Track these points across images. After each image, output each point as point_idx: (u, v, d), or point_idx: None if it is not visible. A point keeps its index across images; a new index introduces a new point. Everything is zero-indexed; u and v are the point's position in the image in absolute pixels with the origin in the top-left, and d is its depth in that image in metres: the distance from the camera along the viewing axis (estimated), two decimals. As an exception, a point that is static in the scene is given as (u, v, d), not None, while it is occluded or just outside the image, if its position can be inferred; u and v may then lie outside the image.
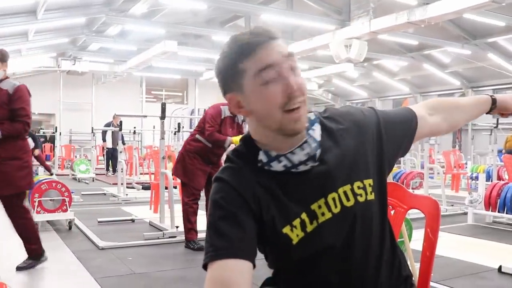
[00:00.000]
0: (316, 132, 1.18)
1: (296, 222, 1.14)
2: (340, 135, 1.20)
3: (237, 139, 4.41)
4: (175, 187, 6.28)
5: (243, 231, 1.10)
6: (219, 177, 1.17)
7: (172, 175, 5.12)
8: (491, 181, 7.39)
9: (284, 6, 14.04)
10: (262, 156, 1.16)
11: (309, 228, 1.14)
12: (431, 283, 3.27)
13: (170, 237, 5.03)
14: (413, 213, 6.40)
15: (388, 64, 21.65)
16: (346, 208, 1.15)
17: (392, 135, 1.27)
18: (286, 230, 1.14)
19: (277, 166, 1.15)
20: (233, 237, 1.08)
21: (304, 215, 1.14)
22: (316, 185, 1.15)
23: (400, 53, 19.19)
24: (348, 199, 1.16)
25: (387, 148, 1.25)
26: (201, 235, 4.95)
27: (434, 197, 5.42)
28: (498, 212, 5.94)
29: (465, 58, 18.70)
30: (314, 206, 1.15)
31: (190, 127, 15.13)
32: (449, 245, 4.90)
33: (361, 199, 1.16)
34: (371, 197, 1.18)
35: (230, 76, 1.13)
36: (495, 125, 8.43)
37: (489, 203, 6.01)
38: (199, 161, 4.61)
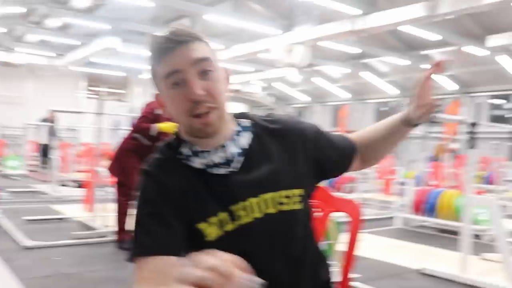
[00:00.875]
0: (243, 139, 1.19)
1: (214, 219, 1.14)
2: (273, 143, 1.22)
3: (164, 125, 4.39)
4: (110, 186, 6.16)
5: (169, 226, 1.11)
6: (144, 169, 1.19)
7: (109, 172, 5.01)
8: (420, 186, 7.72)
9: (230, 8, 14.09)
10: (184, 149, 1.19)
11: (228, 227, 1.14)
12: (357, 284, 3.39)
13: (101, 237, 4.93)
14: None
15: (330, 70, 22.16)
16: (268, 215, 1.15)
17: (328, 154, 1.29)
18: (202, 225, 1.14)
19: (196, 163, 1.17)
20: (159, 233, 1.10)
21: (223, 215, 1.14)
22: (237, 189, 1.15)
23: (342, 60, 19.69)
24: (271, 206, 1.16)
25: (322, 163, 1.27)
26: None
27: (367, 201, 5.62)
28: (424, 216, 6.22)
29: (402, 68, 19.46)
30: (234, 208, 1.15)
31: (130, 126, 14.82)
32: (377, 247, 5.09)
33: (285, 207, 1.17)
34: (297, 206, 1.19)
35: (152, 75, 1.17)
36: (426, 134, 8.82)
37: (416, 208, 6.29)
38: (136, 160, 4.54)
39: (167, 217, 1.12)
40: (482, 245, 5.15)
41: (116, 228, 4.59)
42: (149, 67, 1.17)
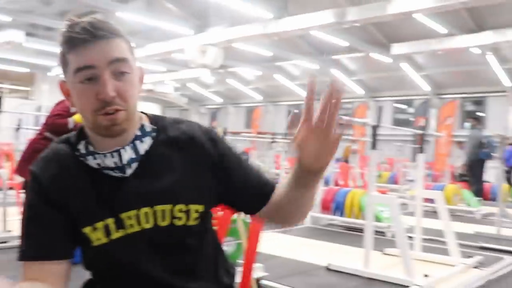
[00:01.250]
0: (142, 145, 1.14)
1: (100, 225, 1.10)
2: (175, 152, 1.17)
3: (78, 117, 4.24)
4: (11, 188, 5.82)
5: (51, 230, 1.09)
6: (30, 169, 1.15)
7: (17, 174, 4.71)
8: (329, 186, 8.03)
9: (143, 6, 13.83)
10: (81, 147, 1.14)
11: (114, 235, 1.11)
12: (265, 282, 3.47)
13: (2, 242, 4.65)
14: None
15: (243, 72, 22.40)
16: (159, 227, 1.12)
17: (237, 182, 1.22)
18: (86, 229, 1.10)
19: (92, 162, 1.12)
20: (40, 237, 1.09)
21: (110, 221, 1.10)
22: (130, 196, 1.11)
23: (254, 62, 19.97)
24: (163, 219, 1.12)
25: (226, 188, 1.21)
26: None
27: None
28: (332, 215, 6.48)
29: (313, 72, 20.07)
30: (123, 215, 1.11)
31: (37, 125, 14.11)
32: (286, 246, 5.23)
33: (179, 222, 1.13)
34: (193, 222, 1.15)
35: (60, 62, 1.10)
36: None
37: (324, 207, 6.54)
38: None
39: (48, 220, 1.09)
40: (386, 241, 5.45)
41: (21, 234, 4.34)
42: (60, 51, 1.09)
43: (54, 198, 1.10)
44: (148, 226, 1.12)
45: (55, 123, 4.25)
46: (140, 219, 1.12)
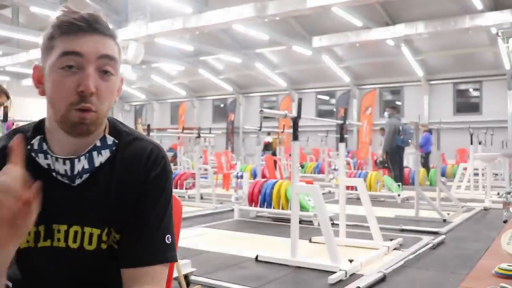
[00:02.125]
0: (99, 158, 1.08)
1: (32, 229, 1.05)
2: (123, 174, 1.10)
3: None
4: None
5: None
6: None
7: None
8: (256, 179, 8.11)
9: (58, 1, 13.25)
10: (35, 142, 1.08)
11: (41, 243, 1.07)
12: (193, 278, 3.44)
13: None
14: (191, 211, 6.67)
15: (166, 68, 22.10)
16: (83, 251, 1.08)
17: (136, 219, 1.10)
18: None
19: (42, 161, 1.07)
20: None
21: (42, 227, 1.07)
22: (68, 209, 1.07)
23: (177, 57, 19.75)
24: (90, 243, 1.08)
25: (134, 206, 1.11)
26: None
27: (205, 196, 5.69)
28: (260, 207, 6.54)
29: (237, 66, 20.18)
30: (55, 227, 1.07)
31: None
32: (215, 241, 5.23)
33: (104, 245, 1.09)
34: (114, 245, 1.10)
35: (43, 46, 1.04)
36: (259, 128, 9.27)
37: (252, 199, 6.59)
38: None
39: None
40: (313, 229, 5.58)
41: None
42: (46, 34, 1.03)
43: None
44: (74, 246, 1.08)
45: None
46: (68, 236, 1.08)
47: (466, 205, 7.68)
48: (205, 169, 9.23)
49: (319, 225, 5.66)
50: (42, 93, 1.07)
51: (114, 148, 1.11)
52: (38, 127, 1.12)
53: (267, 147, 14.38)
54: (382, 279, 3.70)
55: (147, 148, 1.14)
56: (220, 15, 11.99)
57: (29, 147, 1.07)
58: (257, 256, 4.33)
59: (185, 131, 12.85)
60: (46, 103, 1.07)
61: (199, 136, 8.85)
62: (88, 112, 1.01)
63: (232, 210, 7.00)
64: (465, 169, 10.09)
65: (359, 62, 18.61)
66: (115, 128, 1.16)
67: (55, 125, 1.06)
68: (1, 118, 4.97)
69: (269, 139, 14.91)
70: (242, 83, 22.77)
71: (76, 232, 1.08)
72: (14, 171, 0.85)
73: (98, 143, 1.09)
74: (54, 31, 1.02)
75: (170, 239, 1.11)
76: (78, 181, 1.08)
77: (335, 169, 11.50)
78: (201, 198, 8.08)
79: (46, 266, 1.09)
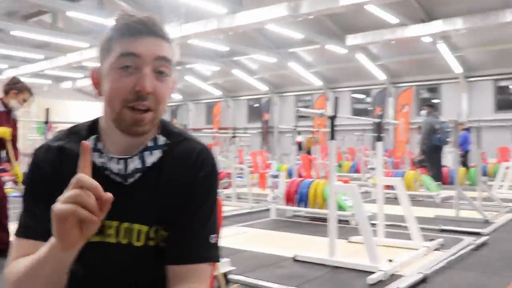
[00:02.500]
0: (151, 158, 1.12)
1: None
2: (174, 173, 1.13)
3: (3, 130, 4.15)
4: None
5: (45, 213, 1.06)
6: (35, 153, 1.15)
7: None
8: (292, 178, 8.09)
9: (95, 5, 13.54)
10: (90, 141, 1.11)
11: (92, 239, 1.08)
12: (233, 276, 3.46)
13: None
14: (227, 211, 6.70)
15: (201, 68, 22.28)
16: (132, 246, 1.11)
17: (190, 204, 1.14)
18: None
19: (96, 159, 1.11)
20: (34, 217, 1.09)
21: None
22: (120, 206, 1.07)
23: (212, 58, 19.89)
24: (138, 239, 1.12)
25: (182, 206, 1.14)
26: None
27: (242, 196, 5.69)
28: (297, 206, 6.53)
29: (271, 66, 20.18)
30: (107, 223, 1.11)
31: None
32: (253, 240, 5.24)
33: (152, 243, 1.12)
34: (162, 244, 1.13)
35: (102, 48, 1.09)
36: (294, 128, 9.25)
37: (288, 199, 6.58)
38: None
39: (44, 205, 1.08)
40: (350, 229, 5.53)
41: None
42: (106, 36, 1.08)
43: (51, 186, 1.09)
44: (124, 241, 1.12)
45: None
46: (119, 232, 1.12)
47: (509, 205, 7.47)
48: (241, 169, 9.27)
49: (356, 224, 5.62)
50: (99, 94, 1.10)
51: (165, 148, 1.14)
52: (93, 127, 1.16)
53: (299, 146, 14.35)
54: (423, 281, 3.63)
55: (197, 148, 1.17)
56: (254, 15, 12.01)
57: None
58: (295, 256, 4.32)
59: (220, 131, 12.94)
60: (103, 104, 1.10)
61: (234, 136, 8.90)
62: (146, 113, 1.05)
63: (269, 209, 7.00)
64: (507, 168, 9.80)
65: (394, 59, 18.34)
66: (167, 128, 1.19)
67: (111, 124, 1.10)
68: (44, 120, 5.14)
69: (300, 138, 14.85)
70: (276, 83, 22.75)
71: (126, 229, 1.12)
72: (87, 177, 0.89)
73: (150, 143, 1.13)
74: (113, 33, 1.07)
75: (214, 239, 1.14)
76: (130, 180, 1.12)
77: (371, 168, 11.36)
78: (238, 197, 8.12)
79: (97, 260, 1.13)
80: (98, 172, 1.09)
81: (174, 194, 1.12)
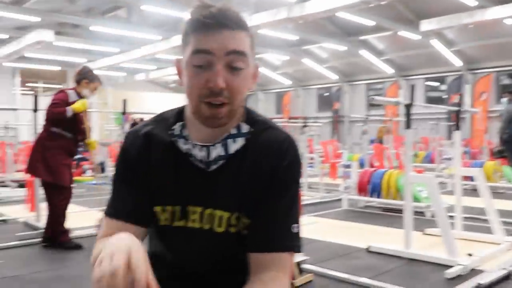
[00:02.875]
0: (234, 145, 1.13)
1: (169, 208, 1.15)
2: (252, 161, 1.13)
3: (77, 105, 4.28)
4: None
5: (132, 196, 1.15)
6: (127, 136, 1.21)
7: (28, 173, 4.66)
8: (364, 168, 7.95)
9: (167, -2, 13.85)
10: (176, 128, 1.16)
11: (176, 223, 1.16)
12: (307, 266, 3.46)
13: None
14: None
15: (270, 58, 22.29)
16: (213, 232, 1.14)
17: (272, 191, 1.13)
18: (157, 208, 1.16)
19: (182, 145, 1.15)
20: (121, 198, 1.16)
21: (177, 208, 1.15)
22: (204, 192, 1.14)
23: (281, 47, 19.84)
24: (219, 225, 1.14)
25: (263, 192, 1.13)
26: (79, 232, 4.83)
27: (313, 186, 5.70)
28: (369, 196, 6.42)
29: (341, 54, 19.84)
30: (190, 208, 1.14)
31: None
32: (325, 230, 5.22)
33: (233, 229, 1.14)
34: (244, 232, 1.14)
35: (182, 41, 1.10)
36: (366, 117, 9.07)
37: (361, 189, 6.48)
38: (63, 156, 4.35)
39: (131, 188, 1.15)
40: (425, 221, 5.38)
41: (55, 232, 4.38)
42: (183, 29, 1.09)
43: (139, 171, 1.16)
44: (206, 227, 1.15)
45: (53, 112, 4.25)
46: (203, 217, 1.15)
47: None
48: (312, 158, 9.21)
49: (432, 216, 5.46)
50: (181, 83, 1.12)
51: (248, 136, 1.15)
52: (180, 114, 1.19)
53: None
54: (506, 277, 3.47)
55: (280, 137, 1.16)
56: (324, 3, 11.82)
57: (170, 132, 1.16)
58: (368, 247, 4.26)
59: (290, 120, 12.91)
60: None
61: (305, 125, 8.85)
62: (221, 107, 1.06)
63: (340, 199, 6.94)
64: None
65: (472, 44, 17.45)
66: (251, 116, 1.19)
67: (192, 115, 1.13)
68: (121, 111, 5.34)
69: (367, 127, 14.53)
70: (346, 71, 22.37)
71: (209, 215, 1.14)
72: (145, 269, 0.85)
73: (234, 131, 1.14)
74: (187, 28, 1.07)
75: (296, 229, 1.14)
76: (213, 167, 1.13)
77: (447, 159, 10.94)
78: (309, 187, 8.10)
79: (181, 244, 1.17)
80: (184, 158, 1.14)
81: (256, 182, 1.12)
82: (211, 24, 1.03)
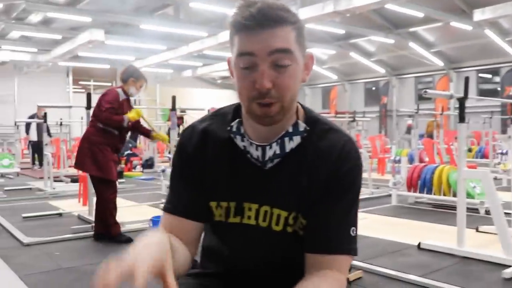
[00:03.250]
0: (290, 144, 1.12)
1: (224, 204, 1.16)
2: (310, 161, 1.12)
3: (132, 114, 4.40)
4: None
5: (190, 193, 1.18)
6: (184, 133, 1.23)
7: (77, 168, 4.83)
8: (414, 164, 7.77)
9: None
10: (234, 124, 1.16)
11: (231, 219, 1.17)
12: (356, 262, 3.41)
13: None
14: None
15: (317, 52, 22.12)
16: (271, 230, 1.14)
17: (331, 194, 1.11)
18: (212, 204, 1.18)
19: (239, 142, 1.15)
20: (178, 195, 1.20)
21: (232, 204, 1.16)
22: (260, 189, 1.14)
23: (328, 41, 19.64)
24: (277, 224, 1.13)
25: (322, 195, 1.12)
26: (130, 226, 4.94)
27: (362, 181, 5.58)
28: (419, 192, 6.27)
29: (389, 47, 19.45)
30: (246, 205, 1.15)
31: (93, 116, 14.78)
32: (374, 226, 5.13)
33: (290, 229, 1.14)
34: (300, 232, 1.14)
35: (230, 41, 1.10)
36: (416, 111, 8.86)
37: (411, 185, 6.34)
38: (109, 151, 4.44)
39: (188, 184, 1.18)
40: (479, 218, 5.21)
41: (107, 225, 4.48)
42: (230, 30, 1.08)
43: (195, 167, 1.18)
44: (263, 225, 1.15)
45: (111, 119, 4.35)
46: (259, 215, 1.15)
47: None
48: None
49: (486, 213, 5.27)
50: (234, 82, 1.12)
51: (305, 134, 1.13)
52: (237, 110, 1.19)
53: (409, 130, 13.77)
54: None
55: (341, 140, 1.14)
56: (371, -5, 11.62)
57: (228, 128, 1.16)
58: (419, 244, 4.16)
59: (338, 115, 12.78)
60: None
61: (353, 120, 8.73)
62: (272, 105, 1.05)
63: (389, 195, 6.81)
64: None
65: (530, 34, 16.73)
66: (311, 115, 1.18)
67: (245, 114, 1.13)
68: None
69: (411, 121, 14.19)
70: (395, 65, 21.93)
71: (266, 212, 1.14)
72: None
73: (290, 129, 1.12)
74: (231, 29, 1.07)
75: (354, 232, 1.12)
76: (269, 165, 1.13)
77: (501, 153, 10.55)
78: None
79: (238, 240, 1.18)
80: (240, 155, 1.15)
81: (316, 183, 1.11)
82: (251, 25, 1.01)
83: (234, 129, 1.16)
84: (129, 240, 4.44)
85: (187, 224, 1.16)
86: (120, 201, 4.57)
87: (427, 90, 3.80)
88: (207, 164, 1.17)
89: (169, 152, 7.04)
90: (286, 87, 1.05)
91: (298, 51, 1.06)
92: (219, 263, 1.23)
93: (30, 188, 8.68)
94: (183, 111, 12.61)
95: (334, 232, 1.10)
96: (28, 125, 13.03)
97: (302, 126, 1.13)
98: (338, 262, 1.09)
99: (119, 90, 4.50)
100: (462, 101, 3.85)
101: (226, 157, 1.16)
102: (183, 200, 1.18)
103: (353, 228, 1.12)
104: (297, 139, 1.12)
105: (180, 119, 12.76)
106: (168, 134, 7.07)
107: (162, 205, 1.23)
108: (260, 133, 1.12)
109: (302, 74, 1.11)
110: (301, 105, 1.19)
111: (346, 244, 1.10)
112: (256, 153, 1.13)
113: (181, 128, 11.67)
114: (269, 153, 1.12)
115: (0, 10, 14.45)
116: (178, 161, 1.21)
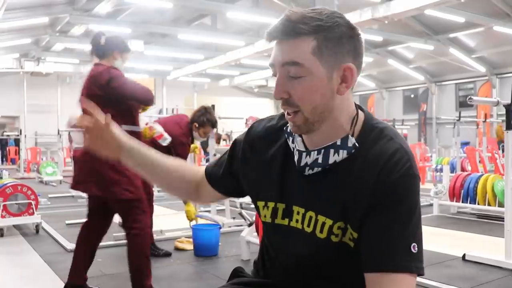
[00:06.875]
0: (335, 157, 1.09)
1: (271, 204, 1.18)
2: (363, 172, 1.07)
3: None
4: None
5: (222, 171, 1.34)
6: (251, 127, 1.31)
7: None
8: (455, 172, 7.58)
9: (250, 4, 14.05)
10: (290, 126, 1.17)
11: (278, 221, 1.18)
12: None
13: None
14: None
15: (354, 60, 21.90)
16: (314, 236, 1.12)
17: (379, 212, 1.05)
18: (259, 203, 1.21)
19: (290, 144, 1.18)
20: (217, 169, 1.35)
21: (281, 206, 1.17)
22: (309, 193, 1.13)
23: (366, 49, 19.33)
24: (321, 231, 1.11)
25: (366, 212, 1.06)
26: (169, 234, 4.98)
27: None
28: (462, 202, 6.10)
29: (428, 54, 19.10)
30: (295, 208, 1.15)
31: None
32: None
33: (335, 239, 1.10)
34: (349, 242, 1.10)
35: None
36: (457, 118, 8.66)
37: (453, 194, 6.18)
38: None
39: (226, 165, 1.33)
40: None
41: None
42: None
43: (243, 161, 1.27)
44: (308, 230, 1.14)
45: (179, 151, 4.23)
46: (305, 219, 1.14)
47: None
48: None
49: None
50: None
51: (352, 151, 1.09)
52: None
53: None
54: None
55: (391, 148, 1.07)
56: (410, 2, 11.45)
57: (285, 128, 1.20)
58: (464, 255, 4.05)
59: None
60: None
61: (392, 128, 8.59)
62: (294, 114, 1.08)
63: (430, 204, 6.67)
64: None
65: None
66: (370, 123, 1.14)
67: None
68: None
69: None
70: (434, 71, 21.52)
71: (311, 218, 1.13)
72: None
73: (338, 142, 1.09)
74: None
75: (416, 249, 1.03)
76: (308, 172, 1.13)
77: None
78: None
79: (284, 243, 1.19)
80: (292, 157, 1.16)
81: (361, 194, 1.06)
82: (273, 37, 1.06)
83: (288, 129, 1.18)
84: (167, 254, 4.39)
85: (209, 188, 1.37)
86: (157, 209, 4.59)
87: (471, 97, 3.71)
88: (263, 163, 1.21)
89: (207, 161, 7.08)
90: (301, 98, 1.05)
91: (315, 63, 1.04)
92: (270, 262, 1.28)
93: (73, 196, 8.87)
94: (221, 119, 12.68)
95: (389, 248, 1.02)
96: (72, 134, 13.36)
97: (351, 141, 1.09)
98: (396, 282, 1.01)
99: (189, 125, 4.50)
100: (508, 108, 3.74)
101: (280, 158, 1.18)
102: (217, 175, 1.35)
103: (414, 244, 1.03)
104: (343, 154, 1.09)
105: (219, 139, 12.81)
106: (206, 141, 7.09)
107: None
108: (304, 138, 1.15)
109: (330, 86, 1.07)
110: (364, 111, 1.16)
111: (405, 261, 1.01)
112: (305, 159, 1.13)
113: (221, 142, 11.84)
114: (306, 160, 1.11)
115: (45, 24, 14.93)
116: (238, 143, 1.30)
